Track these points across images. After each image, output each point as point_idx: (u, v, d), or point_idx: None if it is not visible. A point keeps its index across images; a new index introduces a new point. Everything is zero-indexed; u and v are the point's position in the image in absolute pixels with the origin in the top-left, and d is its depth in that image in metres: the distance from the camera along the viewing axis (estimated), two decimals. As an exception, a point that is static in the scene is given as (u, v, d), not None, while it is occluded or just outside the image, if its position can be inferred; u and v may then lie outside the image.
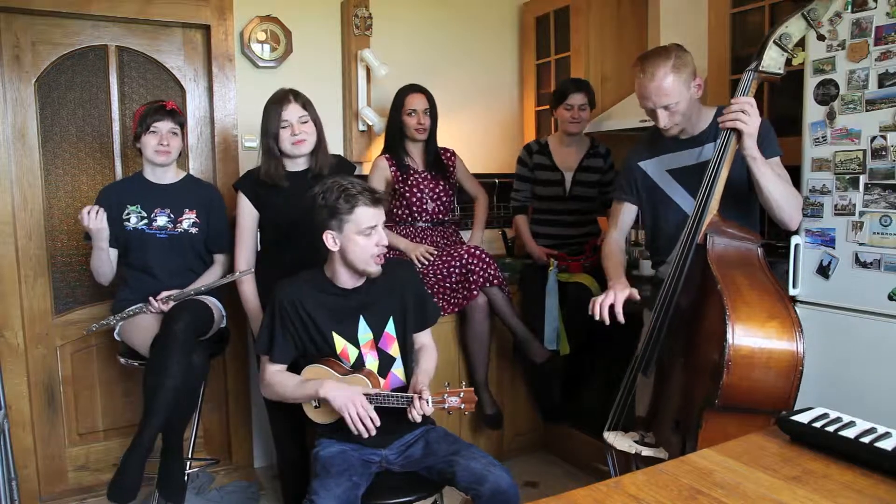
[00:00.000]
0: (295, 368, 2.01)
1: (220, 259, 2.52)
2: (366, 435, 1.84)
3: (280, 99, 2.32)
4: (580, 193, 3.11)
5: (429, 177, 2.95)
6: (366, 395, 1.87)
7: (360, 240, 1.88)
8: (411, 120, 2.88)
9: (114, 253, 2.40)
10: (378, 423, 1.84)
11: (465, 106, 3.49)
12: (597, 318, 1.90)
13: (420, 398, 1.84)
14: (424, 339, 2.11)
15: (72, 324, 2.85)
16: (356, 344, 1.97)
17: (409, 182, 2.91)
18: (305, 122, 2.33)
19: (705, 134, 2.04)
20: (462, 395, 1.86)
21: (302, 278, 2.02)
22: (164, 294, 2.30)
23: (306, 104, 2.34)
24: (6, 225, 2.68)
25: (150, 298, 2.30)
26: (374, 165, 2.95)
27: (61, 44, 2.76)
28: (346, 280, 1.97)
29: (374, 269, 1.91)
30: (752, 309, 1.64)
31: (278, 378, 1.96)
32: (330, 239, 1.91)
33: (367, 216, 1.87)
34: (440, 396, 1.86)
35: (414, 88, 2.91)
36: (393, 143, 2.94)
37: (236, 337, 2.90)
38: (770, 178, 1.80)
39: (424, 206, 2.92)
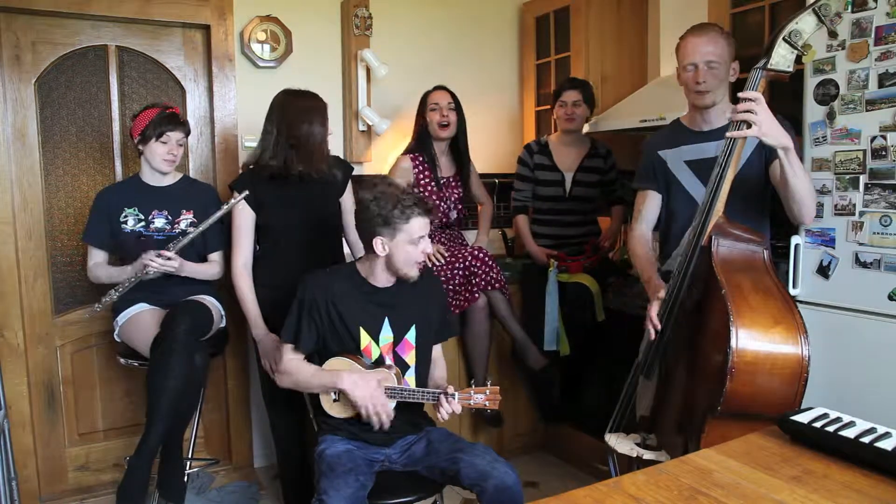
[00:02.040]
0: (311, 362, 2.02)
1: (214, 257, 2.49)
2: (382, 427, 1.89)
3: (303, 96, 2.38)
4: (580, 194, 3.11)
5: (452, 183, 2.95)
6: (391, 388, 1.91)
7: (410, 248, 1.92)
8: (434, 115, 2.88)
9: (102, 255, 2.43)
10: (391, 417, 1.90)
11: (466, 106, 3.45)
12: (653, 336, 1.88)
13: (447, 396, 1.88)
14: (435, 353, 2.14)
15: (72, 324, 2.85)
16: (378, 343, 1.99)
17: (434, 186, 2.90)
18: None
19: (726, 127, 2.02)
20: (488, 392, 1.90)
21: (335, 272, 2.05)
22: (157, 252, 2.23)
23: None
24: (6, 225, 2.68)
25: (148, 261, 2.21)
26: (397, 166, 2.93)
27: (61, 44, 2.76)
28: (383, 280, 2.00)
29: (415, 273, 1.95)
30: (756, 314, 1.63)
31: (296, 365, 1.97)
32: (379, 244, 1.92)
33: (420, 226, 1.91)
34: (467, 394, 1.90)
35: (437, 87, 2.94)
36: (419, 144, 2.94)
37: (236, 337, 2.90)
38: (799, 171, 1.78)
39: (443, 214, 2.92)
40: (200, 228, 2.29)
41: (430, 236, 2.85)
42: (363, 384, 1.88)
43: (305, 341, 1.96)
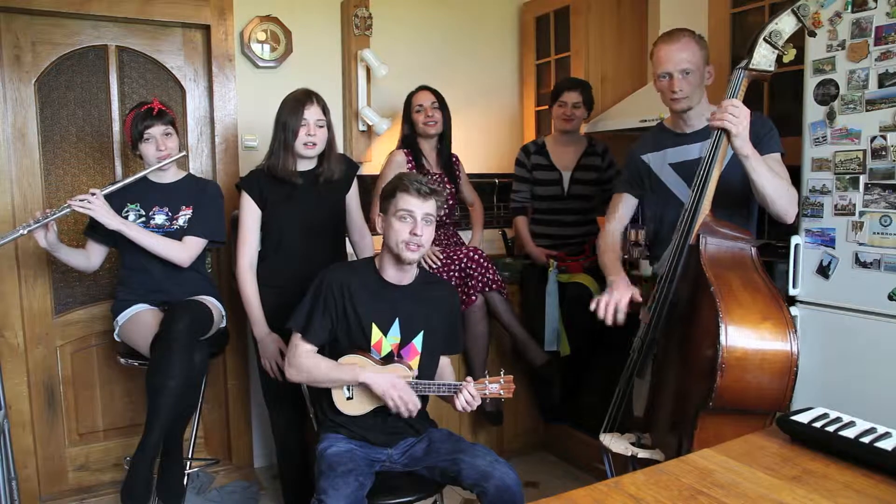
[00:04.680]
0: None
1: (187, 241, 2.36)
2: (406, 415, 1.92)
3: (302, 98, 2.34)
4: (579, 192, 3.11)
5: (441, 179, 2.96)
6: (410, 382, 1.92)
7: (396, 223, 1.92)
8: (419, 116, 2.91)
9: (100, 249, 2.44)
10: (419, 406, 1.93)
11: (465, 106, 3.49)
12: (600, 316, 1.95)
13: (467, 386, 1.90)
14: (443, 361, 2.15)
15: (72, 324, 2.85)
16: (387, 340, 2.00)
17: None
18: (321, 126, 2.35)
19: (707, 128, 2.04)
20: (502, 381, 1.93)
21: (353, 265, 2.08)
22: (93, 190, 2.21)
23: (325, 109, 2.38)
24: (6, 225, 2.68)
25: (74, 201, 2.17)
26: (391, 159, 2.94)
27: (61, 44, 2.76)
28: (392, 273, 2.00)
29: (407, 255, 1.93)
30: (745, 310, 1.64)
31: (311, 360, 1.96)
32: (379, 221, 2.00)
33: (405, 201, 1.91)
34: (482, 384, 1.92)
35: (420, 88, 2.95)
36: (407, 143, 2.96)
37: (236, 337, 2.90)
38: (762, 174, 1.80)
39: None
40: (137, 176, 2.30)
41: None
42: (385, 376, 1.91)
43: (316, 331, 1.96)
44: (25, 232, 2.14)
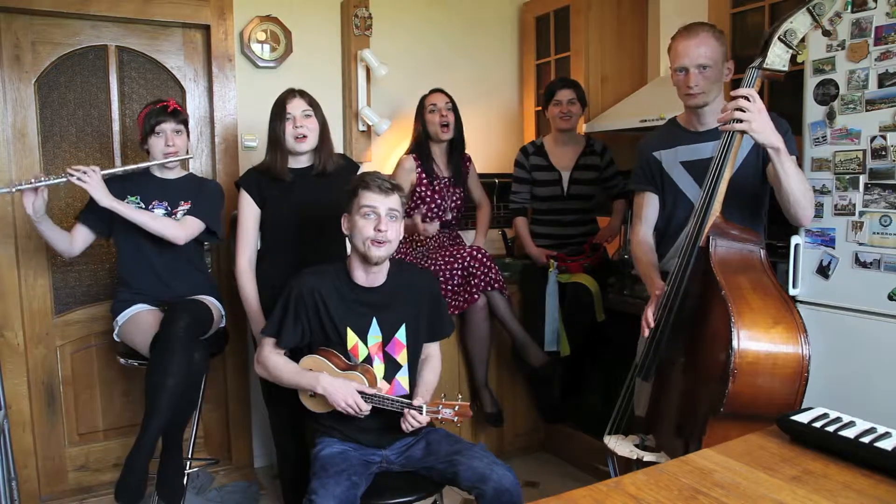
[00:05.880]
0: (292, 355, 2.03)
1: (186, 218, 2.35)
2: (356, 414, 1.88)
3: (285, 96, 2.39)
4: (578, 192, 3.11)
5: (450, 183, 2.96)
6: (362, 392, 1.89)
7: (359, 221, 1.92)
8: (434, 116, 2.90)
9: (86, 235, 2.40)
10: (366, 411, 1.89)
11: (465, 106, 3.48)
12: (646, 334, 1.89)
13: (414, 409, 1.86)
14: (431, 349, 2.12)
15: (72, 324, 2.85)
16: (366, 343, 1.98)
17: (434, 187, 2.92)
18: (308, 117, 2.36)
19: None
20: (457, 408, 1.87)
21: (324, 270, 2.04)
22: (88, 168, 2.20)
23: (312, 102, 2.39)
24: (6, 225, 2.68)
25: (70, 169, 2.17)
26: (400, 165, 2.96)
27: (61, 44, 2.76)
28: (362, 276, 1.99)
29: (374, 252, 1.91)
30: (756, 314, 1.62)
31: (275, 360, 1.98)
32: (344, 221, 1.99)
33: (368, 198, 1.91)
34: (435, 407, 1.88)
35: (434, 90, 2.96)
36: (418, 147, 2.96)
37: (236, 336, 2.90)
38: (791, 173, 1.75)
39: (442, 214, 2.94)
40: (140, 165, 2.34)
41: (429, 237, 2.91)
42: (340, 386, 1.87)
43: (287, 338, 1.96)
44: (14, 190, 2.15)
